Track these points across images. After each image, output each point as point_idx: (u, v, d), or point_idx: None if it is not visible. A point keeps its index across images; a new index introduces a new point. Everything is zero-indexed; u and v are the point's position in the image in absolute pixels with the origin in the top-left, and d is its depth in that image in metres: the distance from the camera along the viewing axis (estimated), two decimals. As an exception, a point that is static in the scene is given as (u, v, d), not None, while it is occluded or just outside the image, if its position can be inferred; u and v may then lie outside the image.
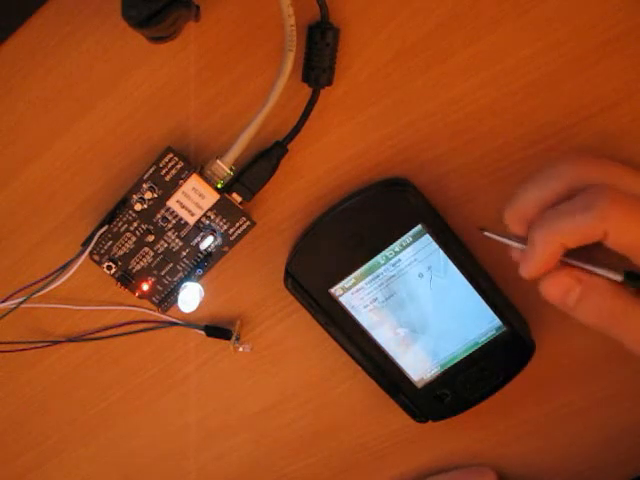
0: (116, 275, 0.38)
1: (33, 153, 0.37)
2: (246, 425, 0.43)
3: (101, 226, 0.37)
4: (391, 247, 0.35)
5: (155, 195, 0.36)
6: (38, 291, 0.38)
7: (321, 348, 0.40)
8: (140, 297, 0.39)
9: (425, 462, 0.43)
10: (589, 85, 0.33)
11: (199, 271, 0.38)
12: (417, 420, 0.40)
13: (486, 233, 0.33)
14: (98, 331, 0.41)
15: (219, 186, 0.35)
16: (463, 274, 0.36)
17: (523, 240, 0.31)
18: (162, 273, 0.38)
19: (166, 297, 0.39)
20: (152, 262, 0.38)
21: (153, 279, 0.38)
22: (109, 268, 0.38)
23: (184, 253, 0.37)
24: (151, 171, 0.35)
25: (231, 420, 0.43)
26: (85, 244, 0.37)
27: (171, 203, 0.36)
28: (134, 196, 0.36)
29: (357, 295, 0.37)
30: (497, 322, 0.37)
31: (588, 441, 0.42)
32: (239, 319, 0.40)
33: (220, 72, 0.35)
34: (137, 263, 0.38)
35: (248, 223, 0.36)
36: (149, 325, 0.40)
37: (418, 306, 0.37)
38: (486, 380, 0.39)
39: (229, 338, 0.40)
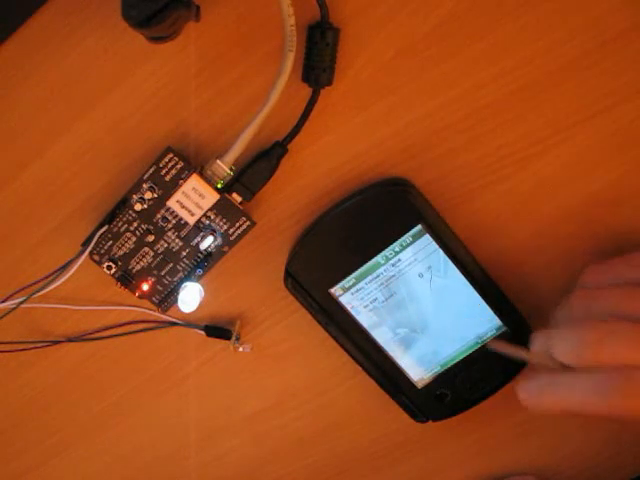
0: (116, 275, 0.38)
1: (33, 153, 0.37)
2: (246, 425, 0.43)
3: (101, 226, 0.37)
4: (391, 247, 0.35)
5: (155, 195, 0.36)
6: (38, 291, 0.38)
7: (321, 348, 0.40)
8: (140, 297, 0.39)
9: (425, 462, 0.43)
10: (589, 85, 0.33)
11: (199, 271, 0.38)
12: (417, 420, 0.40)
13: (491, 346, 0.36)
14: (98, 331, 0.41)
15: (219, 186, 0.35)
16: (463, 274, 0.36)
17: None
18: (162, 273, 0.38)
19: (166, 297, 0.39)
20: (152, 262, 0.38)
21: (153, 279, 0.38)
22: (109, 268, 0.38)
23: (184, 253, 0.37)
24: (151, 171, 0.35)
25: (231, 420, 0.43)
26: (85, 244, 0.37)
27: (171, 203, 0.36)
28: (134, 196, 0.36)
29: (357, 295, 0.37)
30: (497, 322, 0.37)
31: (588, 441, 0.42)
32: (239, 319, 0.40)
33: (220, 72, 0.35)
34: (137, 263, 0.38)
35: (248, 223, 0.36)
36: (149, 325, 0.40)
37: (418, 306, 0.37)
38: (486, 380, 0.39)
39: (229, 338, 0.40)
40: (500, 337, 0.37)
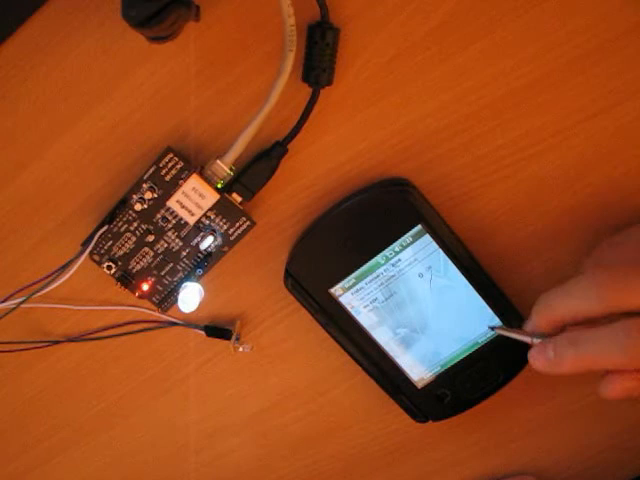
0: (116, 275, 0.38)
1: (33, 153, 0.37)
2: (246, 425, 0.43)
3: (101, 226, 0.37)
4: (391, 247, 0.35)
5: (155, 195, 0.36)
6: (38, 291, 0.38)
7: (321, 348, 0.40)
8: (140, 297, 0.39)
9: (425, 462, 0.43)
10: (589, 85, 0.33)
11: (199, 271, 0.38)
12: (417, 420, 0.40)
13: (497, 330, 0.35)
14: (98, 331, 0.41)
15: (219, 186, 0.35)
16: (463, 274, 0.36)
17: (536, 334, 0.32)
18: (162, 273, 0.38)
19: (166, 297, 0.39)
20: (152, 262, 0.38)
21: (153, 279, 0.38)
22: (109, 268, 0.38)
23: (184, 253, 0.37)
24: (151, 171, 0.35)
25: (231, 420, 0.43)
26: (85, 244, 0.37)
27: (171, 203, 0.36)
28: (134, 196, 0.36)
29: (357, 295, 0.37)
30: (497, 322, 0.37)
31: (588, 441, 0.42)
32: (239, 319, 0.40)
33: (220, 72, 0.35)
34: (137, 263, 0.38)
35: (248, 223, 0.36)
36: (149, 325, 0.40)
37: (418, 306, 0.37)
38: (486, 380, 0.39)
39: (229, 338, 0.40)
40: (500, 337, 0.37)
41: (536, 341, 0.32)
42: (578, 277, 0.30)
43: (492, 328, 0.36)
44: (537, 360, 0.31)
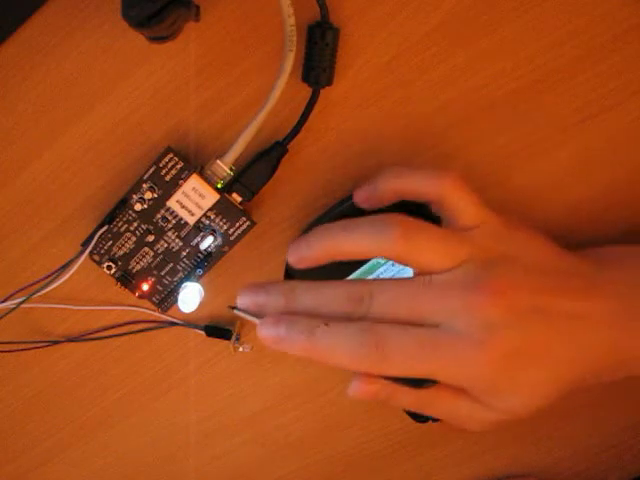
0: (116, 275, 0.38)
1: (33, 153, 0.37)
2: (246, 425, 0.43)
3: (101, 226, 0.37)
4: (391, 247, 0.35)
5: (155, 195, 0.36)
6: (38, 291, 0.38)
7: (321, 348, 0.40)
8: (140, 297, 0.39)
9: (425, 462, 0.43)
10: (589, 85, 0.33)
11: (199, 271, 0.38)
12: (417, 420, 0.40)
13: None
14: (98, 331, 0.41)
15: (219, 186, 0.35)
16: (463, 274, 0.36)
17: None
18: (162, 273, 0.38)
19: (166, 297, 0.39)
20: (152, 262, 0.38)
21: (153, 279, 0.38)
22: (109, 268, 0.38)
23: (184, 253, 0.37)
24: (151, 171, 0.35)
25: (231, 420, 0.43)
26: (85, 244, 0.37)
27: (171, 203, 0.36)
28: (134, 196, 0.36)
29: (357, 295, 0.37)
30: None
31: (588, 441, 0.42)
32: (239, 319, 0.40)
33: (220, 72, 0.35)
34: (137, 263, 0.38)
35: (248, 223, 0.36)
36: (149, 325, 0.40)
37: (418, 306, 0.37)
38: (486, 380, 0.38)
39: (229, 338, 0.40)
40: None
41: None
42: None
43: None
44: (265, 331, 0.30)
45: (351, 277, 0.36)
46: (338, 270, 0.36)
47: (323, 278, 0.36)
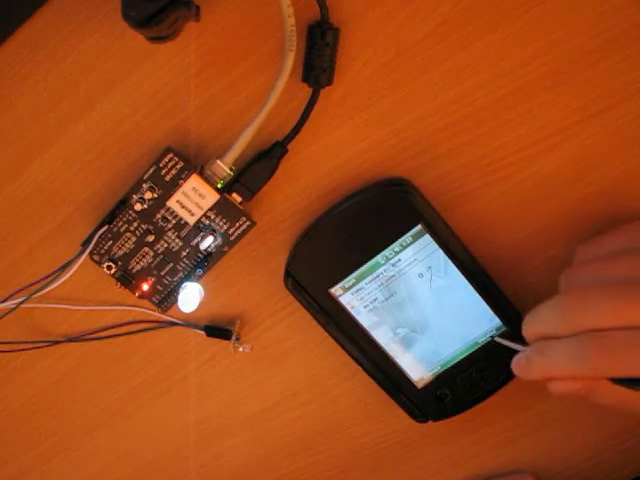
0: (116, 275, 0.38)
1: (33, 153, 0.37)
2: (246, 425, 0.43)
3: (101, 226, 0.37)
4: (391, 247, 0.35)
5: (155, 195, 0.36)
6: (38, 291, 0.38)
7: (321, 348, 0.40)
8: (140, 297, 0.39)
9: (425, 462, 0.43)
10: (589, 85, 0.33)
11: (199, 271, 0.38)
12: (417, 420, 0.40)
13: (497, 339, 0.37)
14: (98, 331, 0.41)
15: (219, 186, 0.35)
16: (463, 274, 0.36)
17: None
18: (162, 273, 0.38)
19: (166, 297, 0.39)
20: (152, 262, 0.38)
21: (153, 279, 0.38)
22: (109, 268, 0.38)
23: (184, 253, 0.37)
24: (151, 171, 0.35)
25: (231, 420, 0.43)
26: (85, 244, 0.37)
27: (171, 203, 0.36)
28: (134, 196, 0.36)
29: (357, 295, 0.37)
30: (497, 322, 0.37)
31: (587, 441, 0.42)
32: (239, 319, 0.40)
33: (220, 72, 0.35)
34: (137, 263, 0.38)
35: (248, 223, 0.36)
36: (149, 325, 0.40)
37: (418, 306, 0.37)
38: (486, 380, 0.39)
39: (229, 338, 0.40)
40: (502, 336, 0.37)
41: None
42: (549, 300, 0.31)
43: (493, 338, 0.37)
44: (514, 367, 0.34)
45: (352, 276, 0.36)
46: (339, 269, 0.36)
47: (324, 276, 0.36)
